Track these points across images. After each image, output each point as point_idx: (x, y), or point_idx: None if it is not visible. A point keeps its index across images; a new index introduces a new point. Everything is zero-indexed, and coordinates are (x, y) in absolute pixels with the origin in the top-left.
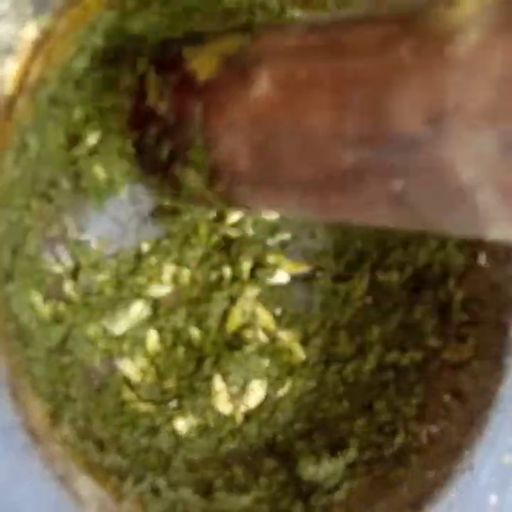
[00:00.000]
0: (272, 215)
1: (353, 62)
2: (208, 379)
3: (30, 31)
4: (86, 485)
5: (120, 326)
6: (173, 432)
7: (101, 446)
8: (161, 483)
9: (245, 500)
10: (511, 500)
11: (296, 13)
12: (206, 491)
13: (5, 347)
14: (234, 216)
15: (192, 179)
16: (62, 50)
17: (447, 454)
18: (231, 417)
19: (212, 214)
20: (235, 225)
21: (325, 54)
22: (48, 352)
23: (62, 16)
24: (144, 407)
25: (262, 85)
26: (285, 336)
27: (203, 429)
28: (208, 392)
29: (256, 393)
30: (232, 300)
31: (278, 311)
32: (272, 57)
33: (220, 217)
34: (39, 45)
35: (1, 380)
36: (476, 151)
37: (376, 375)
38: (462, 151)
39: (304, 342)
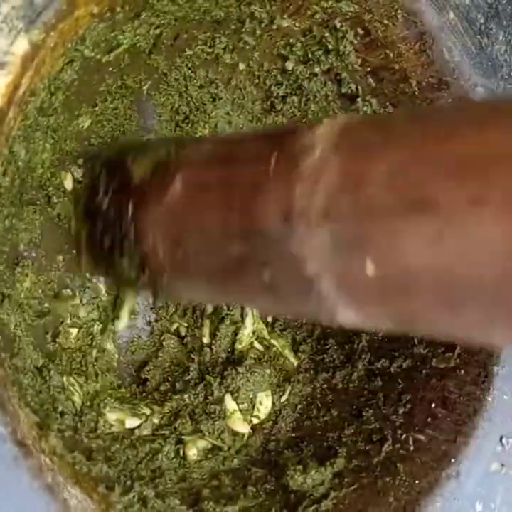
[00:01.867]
0: None
1: (236, 170)
2: (220, 401)
3: (21, 46)
4: (74, 495)
5: None
6: (181, 457)
7: (89, 456)
8: (149, 493)
9: (233, 509)
10: (496, 508)
11: (285, 22)
12: (194, 500)
13: None
14: None
15: (126, 267)
16: (52, 62)
17: (434, 462)
18: (241, 434)
19: None
20: None
21: (219, 164)
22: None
23: (53, 29)
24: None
25: (176, 188)
26: (277, 343)
27: (213, 451)
28: (223, 415)
29: (264, 404)
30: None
31: (269, 319)
32: (187, 164)
33: None
34: (29, 59)
35: None
36: (316, 247)
37: (365, 383)
38: (307, 248)
39: (294, 349)
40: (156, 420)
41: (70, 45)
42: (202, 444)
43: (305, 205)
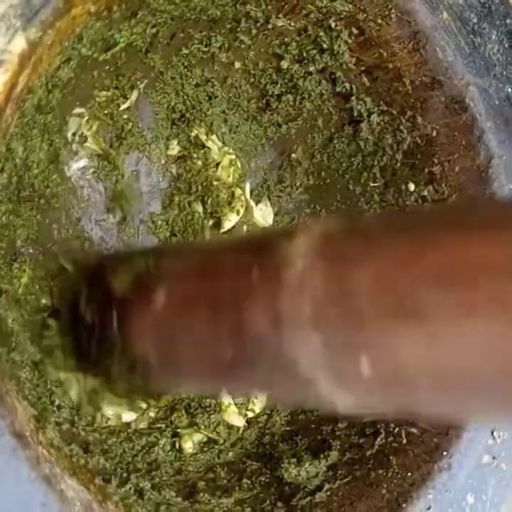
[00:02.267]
0: (265, 223)
1: (218, 283)
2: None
3: (19, 44)
4: (71, 486)
5: None
6: (177, 449)
7: (86, 448)
8: (145, 485)
9: (228, 501)
10: (488, 500)
11: (280, 22)
12: (190, 492)
13: None
14: (228, 224)
15: (117, 372)
16: (49, 60)
17: (426, 455)
18: (237, 427)
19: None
20: (229, 231)
21: (200, 278)
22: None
23: (50, 28)
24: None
25: (160, 301)
26: None
27: (208, 444)
28: (219, 408)
29: (259, 398)
30: None
31: None
32: (168, 277)
33: (216, 225)
34: (27, 57)
35: None
36: (308, 351)
37: None
38: (300, 352)
39: None
40: (152, 414)
41: (67, 44)
42: (198, 437)
43: (292, 313)
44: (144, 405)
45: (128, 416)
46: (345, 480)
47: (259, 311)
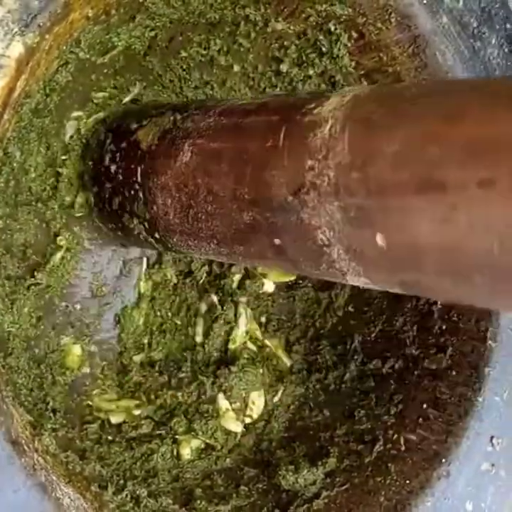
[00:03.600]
0: None
1: (245, 141)
2: (213, 400)
3: (17, 49)
4: (67, 494)
5: None
6: (175, 456)
7: (82, 455)
8: (142, 492)
9: (225, 509)
10: (487, 508)
11: (280, 25)
12: (186, 500)
13: None
14: None
15: (136, 227)
16: (47, 64)
17: (425, 462)
18: (234, 433)
19: None
20: None
21: (228, 134)
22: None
23: (48, 32)
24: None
25: (185, 156)
26: (270, 343)
27: (206, 450)
28: (216, 414)
29: (257, 404)
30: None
31: (263, 319)
32: (195, 133)
33: None
34: (24, 62)
35: None
36: (326, 219)
37: (357, 384)
38: (318, 218)
39: (287, 350)
40: (150, 413)
41: (64, 48)
42: (195, 443)
43: (315, 180)
44: (137, 411)
45: (116, 418)
46: (343, 487)
47: (282, 176)
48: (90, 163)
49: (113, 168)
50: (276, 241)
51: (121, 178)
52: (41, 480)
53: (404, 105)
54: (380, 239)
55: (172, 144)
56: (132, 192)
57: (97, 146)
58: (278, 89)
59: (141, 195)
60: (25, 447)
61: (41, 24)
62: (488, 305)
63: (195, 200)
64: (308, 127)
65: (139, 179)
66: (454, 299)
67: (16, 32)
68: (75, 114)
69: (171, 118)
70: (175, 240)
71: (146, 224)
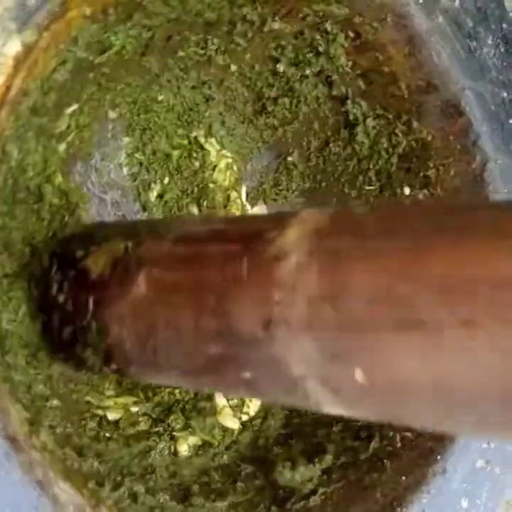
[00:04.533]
0: None
1: (205, 273)
2: (210, 397)
3: (14, 47)
4: (64, 490)
5: None
6: (173, 453)
7: (79, 452)
8: (139, 489)
9: (222, 505)
10: (482, 505)
11: (276, 25)
12: (184, 496)
13: None
14: None
15: (90, 358)
16: (44, 63)
17: (420, 459)
18: (231, 430)
19: None
20: None
21: (185, 265)
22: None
23: (46, 30)
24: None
25: (140, 286)
26: None
27: (203, 447)
28: (213, 411)
29: (254, 401)
30: None
31: None
32: (149, 262)
33: None
34: (21, 60)
35: None
36: (300, 353)
37: None
38: (291, 352)
39: None
40: (148, 411)
41: (62, 46)
42: (193, 440)
43: (285, 313)
44: (134, 408)
45: (113, 415)
46: (340, 484)
47: (249, 309)
48: (35, 291)
49: (61, 298)
50: (246, 375)
51: (70, 308)
52: (38, 476)
53: (370, 236)
54: (358, 374)
55: (126, 273)
56: (84, 323)
57: (41, 273)
58: (275, 88)
59: (94, 326)
60: (23, 444)
61: (39, 22)
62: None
63: (153, 331)
64: (272, 259)
65: (91, 311)
66: (440, 430)
67: (13, 30)
68: (70, 109)
69: (122, 245)
70: (133, 371)
71: (100, 354)
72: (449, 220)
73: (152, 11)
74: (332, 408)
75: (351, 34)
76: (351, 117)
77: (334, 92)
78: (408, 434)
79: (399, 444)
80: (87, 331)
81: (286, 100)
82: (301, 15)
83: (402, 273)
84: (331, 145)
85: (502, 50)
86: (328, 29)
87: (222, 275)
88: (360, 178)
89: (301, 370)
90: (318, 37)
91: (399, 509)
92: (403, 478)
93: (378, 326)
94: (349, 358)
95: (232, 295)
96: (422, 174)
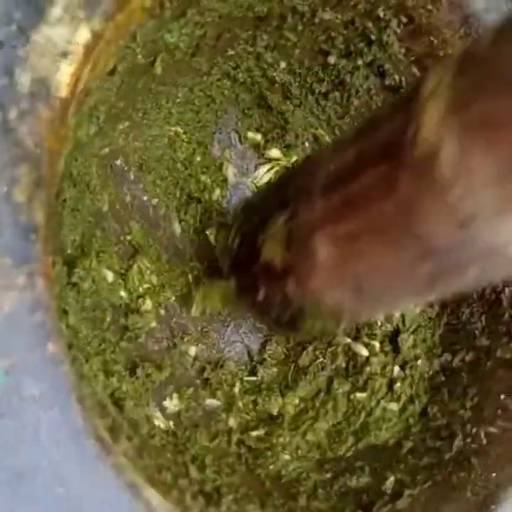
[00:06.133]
0: None
1: (372, 210)
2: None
3: (84, 35)
4: (154, 495)
5: None
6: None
7: (159, 469)
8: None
9: None
10: None
11: (327, 15)
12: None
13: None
14: None
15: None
16: (106, 59)
17: (509, 454)
18: None
19: None
20: None
21: (350, 210)
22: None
23: (111, 20)
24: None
25: (323, 253)
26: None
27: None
28: None
29: None
30: None
31: None
32: (316, 226)
33: None
34: (90, 50)
35: (68, 387)
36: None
37: (427, 380)
38: (499, 234)
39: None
40: None
41: (122, 42)
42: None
43: (472, 207)
44: None
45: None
46: (426, 485)
47: (438, 222)
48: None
49: (261, 294)
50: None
51: (274, 299)
52: (130, 480)
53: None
54: None
55: (303, 248)
56: (295, 307)
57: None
58: (325, 83)
59: (306, 304)
60: (111, 447)
61: (106, 9)
62: None
63: (365, 278)
64: (428, 163)
65: (293, 300)
66: None
67: (82, 17)
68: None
69: (280, 223)
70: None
71: (329, 320)
72: None
73: (205, 6)
74: None
75: (404, 19)
76: None
77: (387, 82)
78: (493, 429)
79: (484, 441)
80: (305, 310)
81: (337, 94)
82: (352, 3)
83: None
84: None
85: None
86: (380, 15)
87: (390, 203)
88: None
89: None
90: (370, 25)
91: (493, 507)
92: (493, 475)
93: None
94: None
95: (409, 217)
96: None
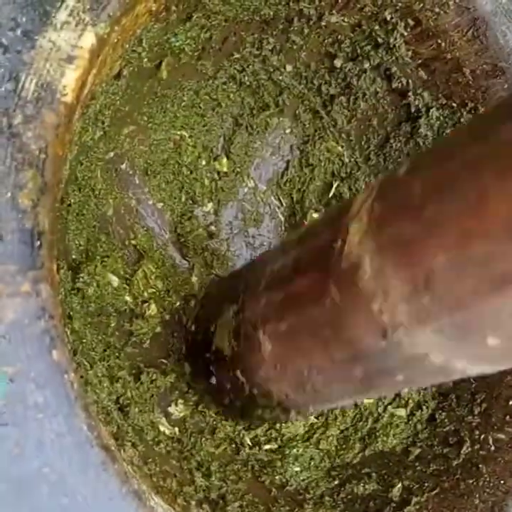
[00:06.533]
0: None
1: (306, 310)
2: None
3: (89, 39)
4: (159, 504)
5: None
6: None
7: (164, 476)
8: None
9: None
10: None
11: (334, 18)
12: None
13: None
14: None
15: (270, 415)
16: (111, 63)
17: None
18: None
19: None
20: None
21: (288, 308)
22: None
23: (117, 24)
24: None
25: (267, 345)
26: None
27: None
28: None
29: None
30: None
31: None
32: (259, 321)
33: None
34: (96, 54)
35: (72, 395)
36: (427, 341)
37: (435, 386)
38: (419, 345)
39: None
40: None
41: (127, 46)
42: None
43: (393, 318)
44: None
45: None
46: (434, 492)
47: (361, 328)
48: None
49: (213, 380)
50: (399, 377)
51: (229, 386)
52: (135, 488)
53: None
54: (491, 340)
55: (248, 340)
56: (246, 393)
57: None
58: (332, 86)
59: (255, 392)
60: (116, 454)
61: (111, 14)
62: None
63: (301, 377)
64: (351, 272)
65: (243, 380)
66: None
67: (87, 22)
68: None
69: (230, 314)
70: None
71: (277, 409)
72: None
73: (211, 10)
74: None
75: (411, 22)
76: (413, 110)
77: (394, 85)
78: (501, 436)
79: (493, 447)
80: (255, 398)
81: (344, 98)
82: (359, 5)
83: (472, 233)
84: (391, 141)
85: None
86: (388, 18)
87: (322, 307)
88: None
89: (439, 356)
90: (377, 27)
91: None
92: (502, 482)
93: (477, 291)
94: (473, 329)
95: (339, 321)
96: None
